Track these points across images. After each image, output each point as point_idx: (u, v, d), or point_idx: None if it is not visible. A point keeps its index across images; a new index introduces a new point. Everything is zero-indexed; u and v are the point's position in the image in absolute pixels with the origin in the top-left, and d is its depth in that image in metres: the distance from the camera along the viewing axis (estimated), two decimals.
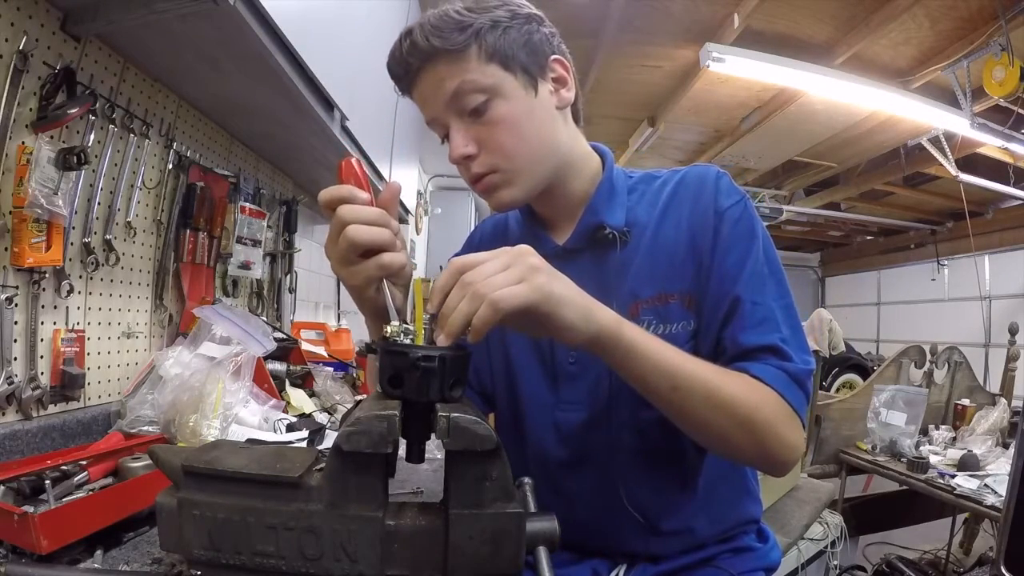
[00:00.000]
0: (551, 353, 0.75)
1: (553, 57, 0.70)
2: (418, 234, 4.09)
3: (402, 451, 0.48)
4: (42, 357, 0.92)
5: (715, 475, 0.75)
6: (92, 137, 0.97)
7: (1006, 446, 2.22)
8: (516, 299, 0.49)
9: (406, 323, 0.51)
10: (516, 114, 0.66)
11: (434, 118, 0.69)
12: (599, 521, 0.74)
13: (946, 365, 2.64)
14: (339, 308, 2.65)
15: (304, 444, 1.13)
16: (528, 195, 0.71)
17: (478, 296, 0.48)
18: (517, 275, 0.51)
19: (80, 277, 1.01)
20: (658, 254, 0.71)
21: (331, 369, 1.69)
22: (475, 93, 0.64)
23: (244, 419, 1.09)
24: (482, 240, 0.89)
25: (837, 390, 4.24)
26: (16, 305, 0.86)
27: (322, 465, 0.44)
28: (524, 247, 0.53)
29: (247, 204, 1.50)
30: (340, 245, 0.54)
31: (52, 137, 0.89)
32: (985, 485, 1.87)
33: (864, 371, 4.35)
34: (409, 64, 0.66)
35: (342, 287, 2.64)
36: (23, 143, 0.84)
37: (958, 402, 2.61)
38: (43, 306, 0.92)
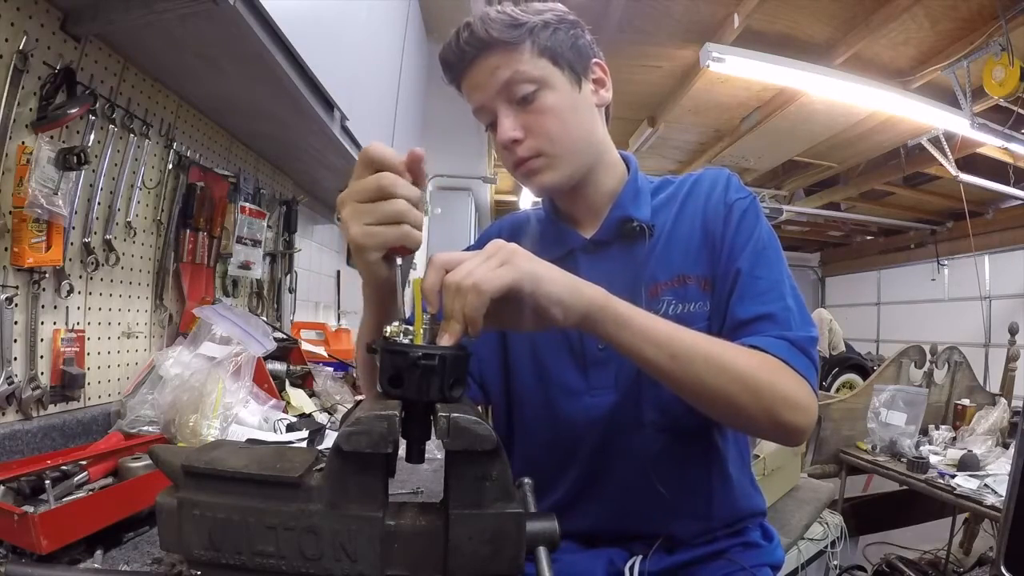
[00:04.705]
0: (580, 341, 0.78)
1: (594, 60, 0.77)
2: None
3: (402, 451, 0.48)
4: (42, 357, 0.92)
5: (731, 459, 0.78)
6: (92, 137, 0.97)
7: (1006, 446, 2.22)
8: (499, 280, 0.51)
9: (407, 322, 0.51)
10: (562, 105, 0.72)
11: (483, 106, 0.74)
12: (623, 502, 0.77)
13: (946, 365, 2.64)
14: (339, 308, 2.65)
15: (304, 444, 1.13)
16: (567, 181, 0.75)
17: (463, 289, 0.50)
18: (497, 261, 0.52)
19: (80, 277, 1.01)
20: (676, 243, 0.76)
21: (331, 369, 1.69)
22: (526, 83, 0.70)
23: (244, 419, 1.09)
24: (500, 236, 0.90)
25: (837, 390, 4.24)
26: (16, 305, 0.86)
27: (322, 465, 0.44)
28: (499, 241, 0.55)
29: (247, 204, 1.50)
30: (384, 209, 0.52)
31: (52, 137, 0.89)
32: (985, 485, 1.87)
33: (864, 371, 4.36)
34: (465, 53, 0.71)
35: (342, 288, 2.65)
36: (23, 143, 0.84)
37: (958, 402, 2.61)
38: (43, 306, 0.92)
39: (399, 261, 0.56)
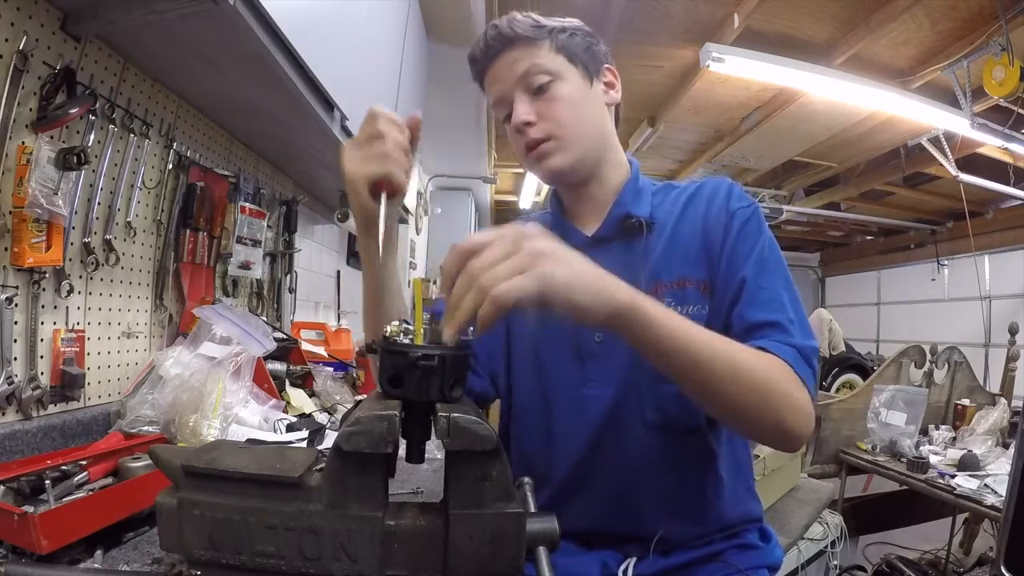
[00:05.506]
0: (576, 332, 0.78)
1: (606, 65, 0.84)
2: (418, 234, 4.09)
3: (402, 451, 0.48)
4: (42, 357, 0.92)
5: (726, 462, 0.78)
6: (92, 137, 0.97)
7: (1006, 446, 2.22)
8: (518, 292, 0.49)
9: (407, 322, 0.51)
10: (574, 96, 0.78)
11: (502, 96, 0.79)
12: (617, 499, 0.77)
13: (946, 365, 2.64)
14: (339, 308, 2.65)
15: (304, 444, 1.13)
16: (575, 166, 0.79)
17: (482, 290, 0.48)
18: (519, 264, 0.50)
19: (80, 277, 1.01)
20: (676, 246, 0.78)
21: (331, 369, 1.69)
22: (542, 74, 0.77)
23: (244, 419, 1.09)
24: None
25: (837, 390, 4.24)
26: (16, 305, 0.86)
27: (322, 465, 0.44)
28: (532, 229, 0.53)
29: (247, 204, 1.50)
30: (373, 148, 0.64)
31: (52, 137, 0.89)
32: (985, 485, 1.87)
33: (864, 371, 4.35)
34: (491, 48, 0.78)
35: (342, 288, 2.65)
36: (23, 143, 0.84)
37: (958, 402, 2.61)
38: (43, 306, 0.92)
39: (383, 198, 0.63)
